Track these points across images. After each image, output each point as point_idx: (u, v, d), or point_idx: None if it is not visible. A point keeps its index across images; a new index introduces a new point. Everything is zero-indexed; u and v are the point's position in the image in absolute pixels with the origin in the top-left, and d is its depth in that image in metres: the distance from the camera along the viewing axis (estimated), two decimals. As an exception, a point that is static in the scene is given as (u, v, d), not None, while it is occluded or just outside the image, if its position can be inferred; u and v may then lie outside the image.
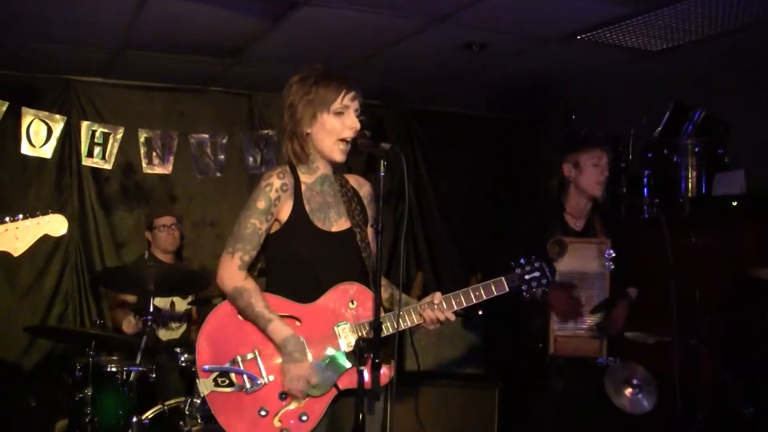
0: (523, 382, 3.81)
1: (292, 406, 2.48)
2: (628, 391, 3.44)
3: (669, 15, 3.89)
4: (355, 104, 2.55)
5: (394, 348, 2.47)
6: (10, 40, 4.51)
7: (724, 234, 4.06)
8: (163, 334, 4.54)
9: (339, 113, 2.52)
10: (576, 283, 3.50)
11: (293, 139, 2.58)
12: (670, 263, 3.28)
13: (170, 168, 5.36)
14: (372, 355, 2.34)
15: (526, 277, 2.63)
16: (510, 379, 4.71)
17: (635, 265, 3.67)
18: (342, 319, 2.53)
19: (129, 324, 4.25)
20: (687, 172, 4.44)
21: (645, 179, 4.56)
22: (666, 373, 3.37)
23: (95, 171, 5.30)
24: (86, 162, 5.20)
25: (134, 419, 3.64)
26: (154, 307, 3.99)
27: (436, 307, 2.53)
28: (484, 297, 2.57)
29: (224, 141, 5.46)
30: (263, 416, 2.47)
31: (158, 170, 5.35)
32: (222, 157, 5.46)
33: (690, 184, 4.43)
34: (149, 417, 3.69)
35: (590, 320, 3.54)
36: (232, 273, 2.51)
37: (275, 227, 2.57)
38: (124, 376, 3.79)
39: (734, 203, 4.08)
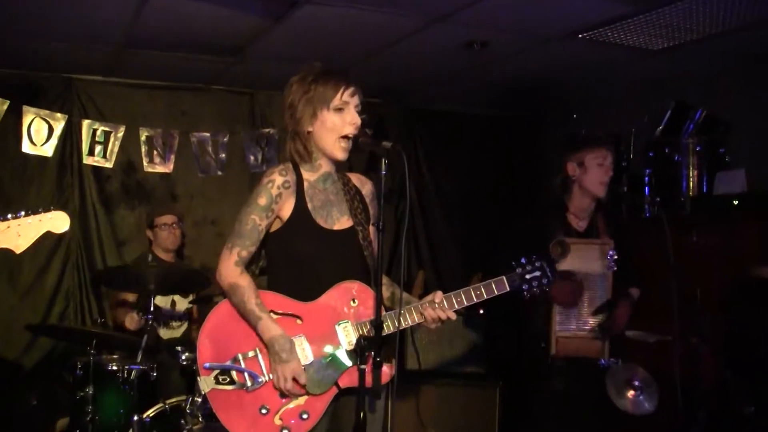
0: (523, 382, 3.80)
1: (293, 404, 2.48)
2: (630, 392, 3.43)
3: (670, 14, 3.88)
4: (355, 100, 2.55)
5: (395, 347, 2.46)
6: (11, 38, 4.51)
7: (725, 233, 4.05)
8: (164, 333, 4.54)
9: (339, 110, 2.52)
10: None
11: (295, 138, 2.58)
12: (672, 262, 3.27)
13: (171, 166, 5.37)
14: (373, 353, 2.34)
15: (527, 276, 2.64)
16: (511, 378, 4.71)
17: (637, 264, 3.66)
18: (343, 318, 2.53)
19: (132, 320, 4.26)
20: (688, 171, 4.43)
21: (646, 178, 4.55)
22: (667, 372, 3.36)
23: (96, 169, 5.30)
24: (87, 160, 5.20)
25: (135, 418, 3.65)
26: (155, 305, 4.00)
27: (437, 305, 2.53)
28: (485, 296, 2.57)
29: (225, 139, 5.47)
30: (264, 414, 2.47)
31: (159, 169, 5.35)
32: (223, 155, 5.46)
33: (691, 183, 4.42)
34: (150, 415, 3.70)
35: (592, 321, 3.52)
36: (229, 268, 2.51)
37: (277, 225, 2.57)
38: (125, 375, 3.79)
39: (735, 202, 4.07)
